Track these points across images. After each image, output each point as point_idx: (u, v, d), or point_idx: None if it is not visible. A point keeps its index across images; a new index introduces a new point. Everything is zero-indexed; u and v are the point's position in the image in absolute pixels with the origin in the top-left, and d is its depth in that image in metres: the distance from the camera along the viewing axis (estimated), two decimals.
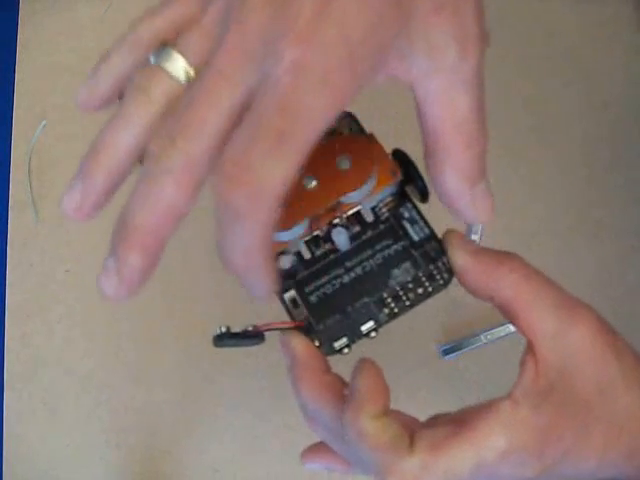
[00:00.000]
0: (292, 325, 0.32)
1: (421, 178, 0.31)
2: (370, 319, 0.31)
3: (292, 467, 0.53)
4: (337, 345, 0.31)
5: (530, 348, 0.29)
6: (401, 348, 0.54)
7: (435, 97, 0.26)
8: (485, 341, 0.53)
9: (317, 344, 0.31)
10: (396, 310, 0.31)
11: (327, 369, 0.31)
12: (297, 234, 0.30)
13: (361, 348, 0.31)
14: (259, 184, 0.23)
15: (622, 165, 0.57)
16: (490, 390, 0.51)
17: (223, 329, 0.32)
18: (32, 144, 0.62)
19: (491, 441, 0.27)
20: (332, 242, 0.32)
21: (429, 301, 0.37)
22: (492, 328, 0.53)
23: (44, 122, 0.63)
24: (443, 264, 0.31)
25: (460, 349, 0.53)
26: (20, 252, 0.60)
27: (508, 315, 0.30)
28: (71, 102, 0.70)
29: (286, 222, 0.29)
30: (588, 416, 0.28)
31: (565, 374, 0.28)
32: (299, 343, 0.31)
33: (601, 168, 0.57)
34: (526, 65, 0.61)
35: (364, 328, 0.31)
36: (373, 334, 0.31)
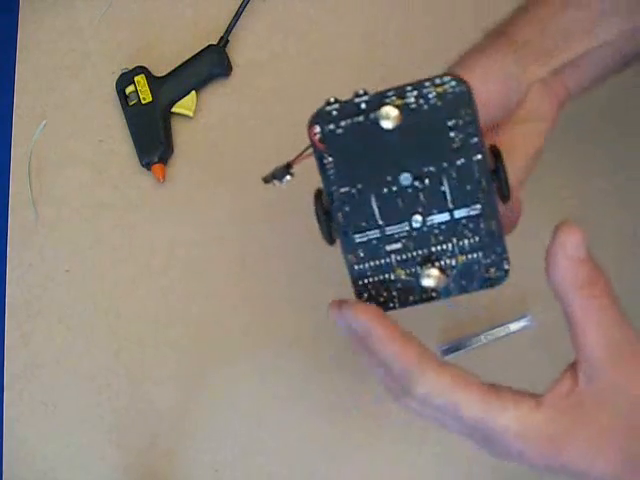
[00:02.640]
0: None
1: (506, 181, 0.34)
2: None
3: (292, 467, 0.53)
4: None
5: (575, 365, 0.31)
6: None
7: None
8: (485, 341, 0.53)
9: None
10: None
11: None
12: None
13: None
14: None
15: (621, 165, 0.57)
16: None
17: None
18: (32, 144, 0.62)
19: (500, 415, 0.31)
20: None
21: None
22: (492, 328, 0.53)
23: (44, 122, 0.63)
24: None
25: (460, 349, 0.53)
26: (20, 252, 0.60)
27: (569, 325, 0.32)
28: (71, 102, 0.71)
29: None
30: (604, 445, 0.30)
31: (596, 405, 0.31)
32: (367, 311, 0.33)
33: (599, 168, 0.57)
34: None
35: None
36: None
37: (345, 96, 0.33)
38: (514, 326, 0.53)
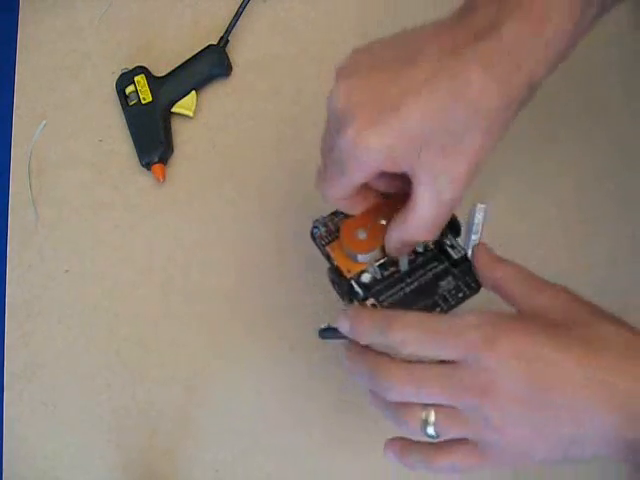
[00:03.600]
0: None
1: (458, 228, 0.43)
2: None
3: (292, 467, 0.53)
4: None
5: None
6: None
7: (414, 199, 0.38)
8: None
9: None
10: (445, 308, 0.41)
11: None
12: (373, 257, 0.42)
13: None
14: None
15: (619, 167, 0.57)
16: None
17: (326, 325, 0.42)
18: (32, 144, 0.63)
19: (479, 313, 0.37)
20: (396, 265, 0.43)
21: None
22: None
23: (44, 122, 0.63)
24: (474, 276, 0.42)
25: None
26: (20, 252, 0.60)
27: (499, 293, 0.40)
28: (71, 102, 0.70)
29: (366, 248, 0.42)
30: (564, 334, 0.35)
31: (539, 316, 0.37)
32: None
33: (598, 168, 0.57)
34: None
35: None
36: None
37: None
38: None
